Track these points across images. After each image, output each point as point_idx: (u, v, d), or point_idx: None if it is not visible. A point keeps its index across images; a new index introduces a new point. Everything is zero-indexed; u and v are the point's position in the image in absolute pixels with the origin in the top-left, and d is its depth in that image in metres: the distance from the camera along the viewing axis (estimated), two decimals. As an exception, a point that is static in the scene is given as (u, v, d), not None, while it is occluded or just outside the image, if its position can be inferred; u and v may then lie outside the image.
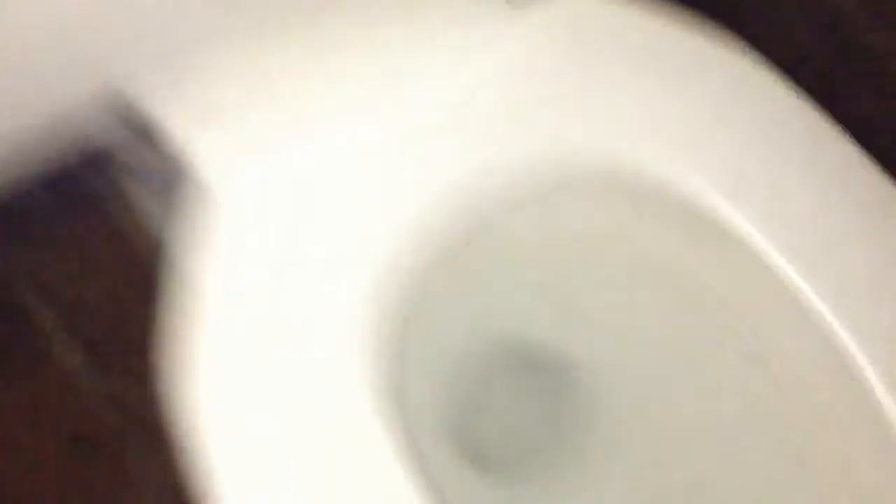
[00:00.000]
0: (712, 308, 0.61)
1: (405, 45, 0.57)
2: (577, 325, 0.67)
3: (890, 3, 0.73)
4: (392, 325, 0.51)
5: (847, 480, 0.56)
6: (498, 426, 0.70)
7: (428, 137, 0.55)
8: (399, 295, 0.52)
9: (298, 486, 0.47)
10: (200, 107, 0.56)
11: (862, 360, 0.52)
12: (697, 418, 0.64)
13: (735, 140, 0.56)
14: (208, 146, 0.55)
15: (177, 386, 0.48)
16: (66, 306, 0.84)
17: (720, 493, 0.63)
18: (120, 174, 0.73)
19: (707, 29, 0.59)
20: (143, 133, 0.59)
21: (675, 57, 0.58)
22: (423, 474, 0.47)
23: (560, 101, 0.56)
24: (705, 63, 0.58)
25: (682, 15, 0.60)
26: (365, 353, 0.49)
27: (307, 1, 0.57)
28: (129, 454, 0.81)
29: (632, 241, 0.61)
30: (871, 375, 0.51)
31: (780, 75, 0.58)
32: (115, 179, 0.75)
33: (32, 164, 0.59)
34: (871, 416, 0.51)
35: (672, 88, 0.57)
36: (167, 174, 0.59)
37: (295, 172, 0.54)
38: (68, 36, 0.51)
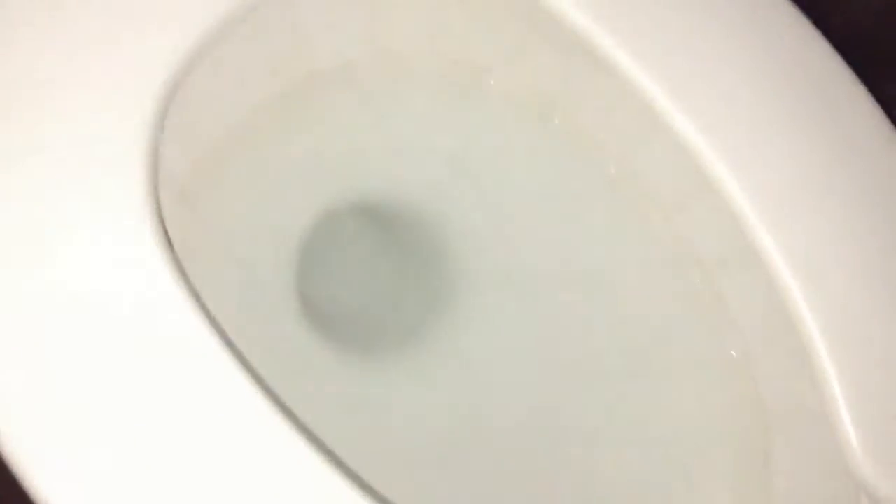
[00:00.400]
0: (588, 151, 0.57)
1: None
2: (444, 178, 0.61)
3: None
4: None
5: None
6: (357, 294, 0.64)
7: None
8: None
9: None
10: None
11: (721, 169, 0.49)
12: (568, 275, 0.60)
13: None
14: None
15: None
16: None
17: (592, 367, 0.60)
18: None
19: None
20: None
21: None
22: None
23: None
24: None
25: None
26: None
27: None
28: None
29: (498, 70, 0.57)
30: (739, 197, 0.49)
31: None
32: None
33: None
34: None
35: None
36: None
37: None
38: None
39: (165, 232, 0.41)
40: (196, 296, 0.40)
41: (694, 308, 0.56)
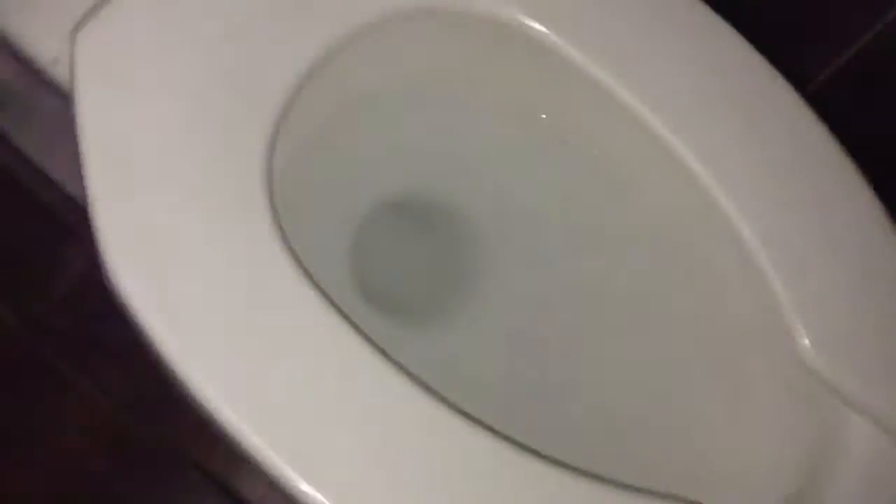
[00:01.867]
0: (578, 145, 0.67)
1: None
2: (459, 174, 0.73)
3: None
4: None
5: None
6: (395, 274, 0.76)
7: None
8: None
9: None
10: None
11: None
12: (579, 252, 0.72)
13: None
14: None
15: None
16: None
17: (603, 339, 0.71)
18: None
19: None
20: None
21: None
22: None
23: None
24: None
25: None
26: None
27: None
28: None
29: (486, 82, 0.67)
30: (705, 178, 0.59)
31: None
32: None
33: None
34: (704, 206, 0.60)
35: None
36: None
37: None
38: None
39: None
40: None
41: (682, 268, 0.68)
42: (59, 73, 0.58)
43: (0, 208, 0.87)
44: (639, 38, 0.61)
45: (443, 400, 0.50)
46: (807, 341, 0.58)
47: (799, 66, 0.66)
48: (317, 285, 0.51)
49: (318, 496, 0.47)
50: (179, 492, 0.85)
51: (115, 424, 0.84)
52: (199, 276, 0.50)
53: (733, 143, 0.60)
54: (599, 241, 0.70)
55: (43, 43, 0.58)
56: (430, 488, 0.49)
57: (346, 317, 0.51)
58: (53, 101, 0.60)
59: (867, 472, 0.56)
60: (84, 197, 0.50)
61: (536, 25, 0.60)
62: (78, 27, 0.52)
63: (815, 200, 0.60)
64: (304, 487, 0.47)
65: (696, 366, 0.66)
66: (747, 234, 0.59)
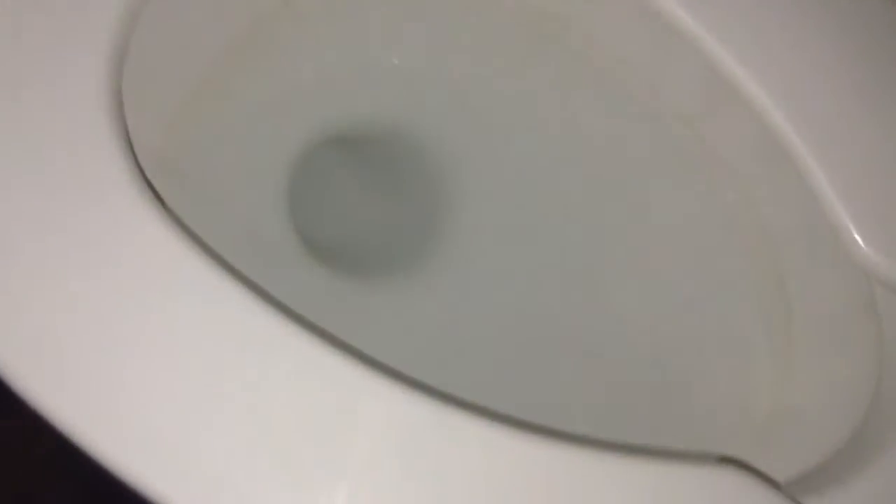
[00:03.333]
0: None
1: None
2: (415, 95, 0.60)
3: None
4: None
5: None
6: (343, 222, 0.64)
7: None
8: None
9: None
10: None
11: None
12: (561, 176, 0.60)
13: None
14: None
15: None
16: None
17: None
18: None
19: None
20: None
21: None
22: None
23: None
24: None
25: None
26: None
27: None
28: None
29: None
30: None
31: None
32: None
33: None
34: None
35: None
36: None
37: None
38: None
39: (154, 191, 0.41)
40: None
41: (686, 165, 0.56)
42: None
43: None
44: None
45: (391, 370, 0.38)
46: (857, 237, 0.45)
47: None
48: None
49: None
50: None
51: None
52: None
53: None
54: (596, 157, 0.58)
55: None
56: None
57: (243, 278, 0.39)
58: None
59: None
60: None
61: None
62: None
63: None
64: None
65: (720, 290, 0.54)
66: (775, 117, 0.46)
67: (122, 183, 0.40)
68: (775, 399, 0.52)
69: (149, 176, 0.44)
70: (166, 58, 0.50)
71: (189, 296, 0.37)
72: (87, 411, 0.35)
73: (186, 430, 0.35)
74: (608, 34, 0.55)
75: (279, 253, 0.56)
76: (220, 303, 0.38)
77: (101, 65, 0.41)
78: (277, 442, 0.35)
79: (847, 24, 0.49)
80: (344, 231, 0.63)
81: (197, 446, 0.35)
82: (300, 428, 0.35)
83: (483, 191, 0.62)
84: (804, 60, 0.48)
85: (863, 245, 0.45)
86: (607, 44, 0.55)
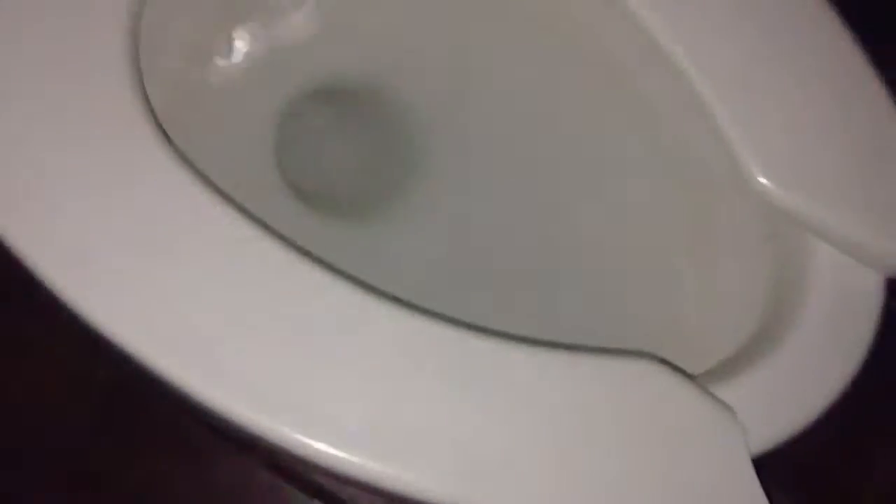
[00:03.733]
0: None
1: None
2: (397, 52, 0.68)
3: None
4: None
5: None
6: (328, 169, 0.72)
7: None
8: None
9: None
10: None
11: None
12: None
13: None
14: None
15: None
16: None
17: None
18: None
19: None
20: None
21: None
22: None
23: None
24: None
25: None
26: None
27: None
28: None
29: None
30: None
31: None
32: None
33: None
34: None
35: None
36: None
37: None
38: None
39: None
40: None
41: (632, 117, 0.64)
42: None
43: None
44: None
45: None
46: (760, 176, 0.54)
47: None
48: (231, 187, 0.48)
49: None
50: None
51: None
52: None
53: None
54: (557, 116, 0.66)
55: None
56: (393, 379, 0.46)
57: (260, 222, 0.48)
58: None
59: (835, 297, 0.54)
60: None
61: None
62: None
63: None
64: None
65: (660, 220, 0.63)
66: (694, 73, 0.55)
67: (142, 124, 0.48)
68: (697, 308, 0.62)
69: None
70: (171, 27, 0.58)
71: (203, 225, 0.46)
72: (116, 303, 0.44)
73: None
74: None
75: (267, 196, 0.64)
76: (224, 227, 0.46)
77: (121, 40, 0.49)
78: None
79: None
80: (327, 177, 0.71)
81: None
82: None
83: (453, 142, 0.70)
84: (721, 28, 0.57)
85: (760, 178, 0.54)
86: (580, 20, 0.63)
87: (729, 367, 0.53)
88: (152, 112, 0.49)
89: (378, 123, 0.71)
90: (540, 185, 0.69)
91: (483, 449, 0.44)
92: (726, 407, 0.49)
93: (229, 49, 0.62)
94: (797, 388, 0.52)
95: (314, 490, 0.72)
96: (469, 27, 0.67)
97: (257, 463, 0.74)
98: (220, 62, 0.62)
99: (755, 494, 0.47)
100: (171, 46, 0.58)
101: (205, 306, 0.44)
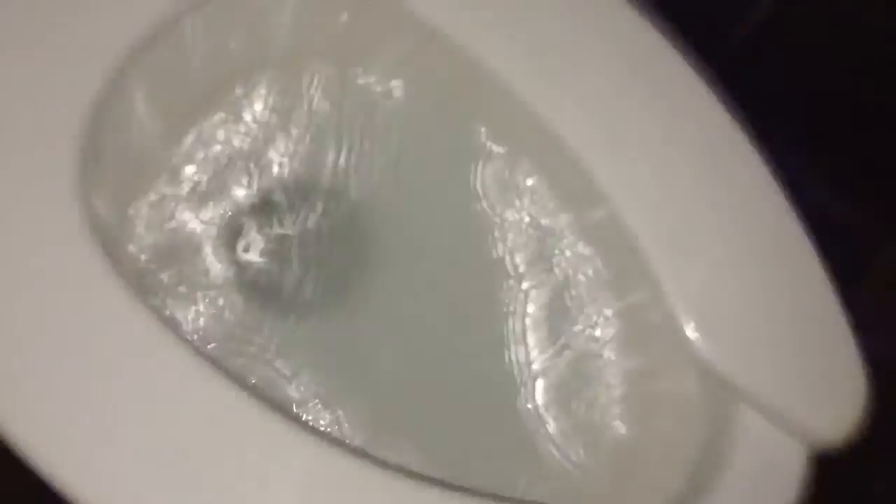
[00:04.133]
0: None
1: None
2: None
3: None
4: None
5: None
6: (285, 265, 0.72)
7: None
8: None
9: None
10: None
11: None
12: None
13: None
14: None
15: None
16: None
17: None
18: None
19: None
20: None
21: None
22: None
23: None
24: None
25: None
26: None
27: None
28: None
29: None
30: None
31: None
32: None
33: None
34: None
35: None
36: None
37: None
38: None
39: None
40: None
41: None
42: None
43: None
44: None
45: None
46: (695, 333, 0.55)
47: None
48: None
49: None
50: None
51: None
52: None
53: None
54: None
55: None
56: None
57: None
58: None
59: (756, 463, 0.54)
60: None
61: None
62: None
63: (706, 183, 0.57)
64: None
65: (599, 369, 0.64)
66: (633, 224, 0.56)
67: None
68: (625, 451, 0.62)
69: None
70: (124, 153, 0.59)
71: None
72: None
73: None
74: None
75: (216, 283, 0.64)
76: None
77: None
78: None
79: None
80: (275, 270, 0.71)
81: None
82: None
83: (400, 248, 0.71)
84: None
85: (698, 339, 0.55)
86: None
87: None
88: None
89: (331, 225, 0.72)
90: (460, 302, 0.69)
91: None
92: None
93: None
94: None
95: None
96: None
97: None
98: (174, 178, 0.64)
99: None
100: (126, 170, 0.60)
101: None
